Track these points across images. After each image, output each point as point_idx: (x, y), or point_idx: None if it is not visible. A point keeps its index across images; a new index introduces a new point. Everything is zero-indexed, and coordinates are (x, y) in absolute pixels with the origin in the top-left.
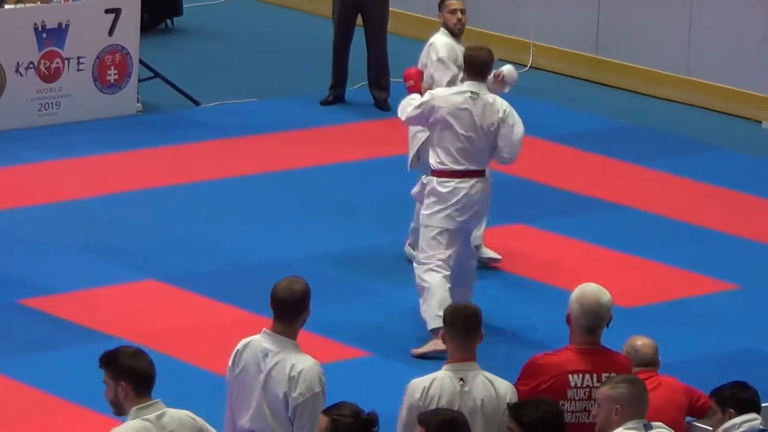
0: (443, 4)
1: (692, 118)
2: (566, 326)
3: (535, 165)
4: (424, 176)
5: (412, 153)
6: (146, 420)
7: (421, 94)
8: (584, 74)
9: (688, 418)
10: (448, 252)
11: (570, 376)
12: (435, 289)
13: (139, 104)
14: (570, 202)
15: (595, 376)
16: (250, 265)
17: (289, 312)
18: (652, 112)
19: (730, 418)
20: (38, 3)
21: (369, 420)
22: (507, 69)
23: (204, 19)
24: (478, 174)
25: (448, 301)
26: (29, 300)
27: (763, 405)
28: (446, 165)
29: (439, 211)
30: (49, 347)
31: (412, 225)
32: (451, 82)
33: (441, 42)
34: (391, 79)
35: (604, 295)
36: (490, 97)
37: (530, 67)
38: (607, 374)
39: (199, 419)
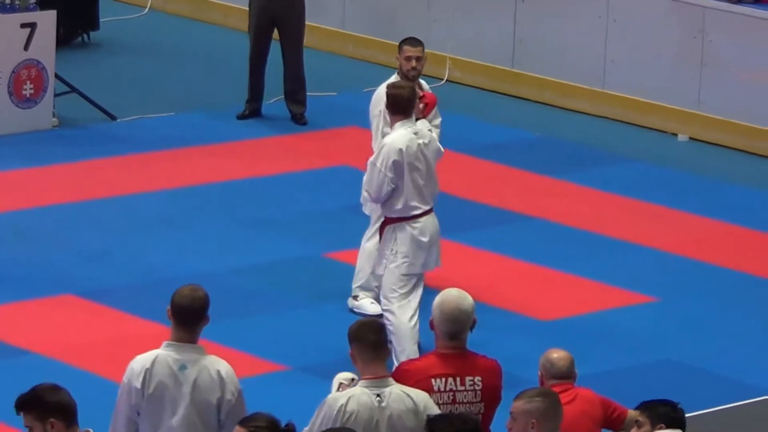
0: (401, 48)
1: (608, 131)
2: (479, 338)
3: (451, 179)
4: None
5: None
6: None
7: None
8: (500, 88)
9: (605, 431)
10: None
11: (433, 380)
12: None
13: (55, 119)
14: (486, 215)
15: (458, 379)
16: (168, 279)
17: (194, 319)
18: (568, 125)
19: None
20: None
21: (287, 431)
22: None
23: (120, 33)
24: (431, 211)
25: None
26: None
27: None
28: (417, 208)
29: (416, 258)
30: None
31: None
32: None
33: (383, 93)
34: (307, 93)
35: (465, 300)
36: (420, 127)
37: (446, 80)
38: (470, 378)
39: None
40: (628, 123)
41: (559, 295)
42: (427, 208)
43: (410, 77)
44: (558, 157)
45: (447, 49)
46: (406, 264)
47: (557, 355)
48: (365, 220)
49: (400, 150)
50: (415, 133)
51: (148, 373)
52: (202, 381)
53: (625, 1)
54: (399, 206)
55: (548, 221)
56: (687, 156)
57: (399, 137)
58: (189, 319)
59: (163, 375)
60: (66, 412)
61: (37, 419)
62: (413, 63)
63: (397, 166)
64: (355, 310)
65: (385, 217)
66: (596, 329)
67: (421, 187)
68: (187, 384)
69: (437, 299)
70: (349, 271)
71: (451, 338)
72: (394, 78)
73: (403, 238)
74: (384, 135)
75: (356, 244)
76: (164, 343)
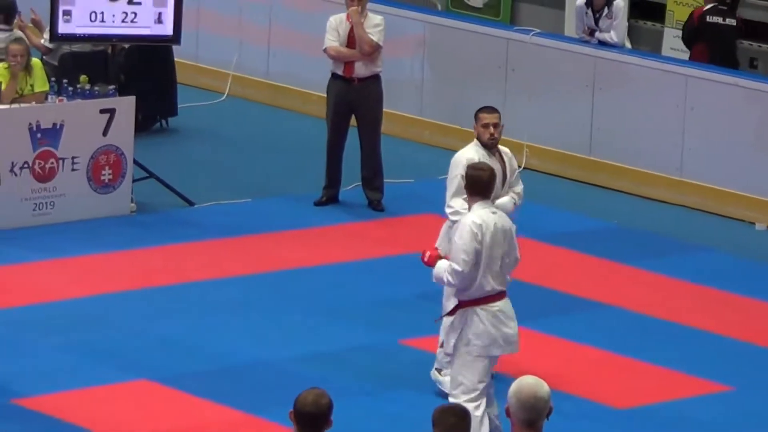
0: (477, 117)
1: (685, 219)
2: (555, 426)
3: (528, 266)
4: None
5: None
6: None
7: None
8: (577, 175)
9: None
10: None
11: None
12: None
13: (133, 204)
14: (563, 303)
15: None
16: (242, 365)
17: (318, 426)
18: (644, 213)
19: None
20: (33, 103)
21: None
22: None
23: (198, 119)
24: (505, 294)
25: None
26: (21, 399)
27: None
28: (492, 289)
29: (491, 341)
30: None
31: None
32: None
33: (462, 158)
34: (384, 180)
35: (541, 387)
36: (498, 210)
37: (524, 168)
38: None
39: None
40: (705, 211)
41: (634, 383)
42: (501, 289)
43: (490, 145)
44: (634, 245)
45: (524, 137)
46: (479, 347)
47: None
48: (441, 308)
49: (480, 224)
50: (493, 212)
51: None
52: None
53: (702, 89)
54: (473, 288)
55: (624, 309)
56: (764, 245)
57: (477, 215)
58: (313, 425)
59: None
60: None
61: None
62: (491, 130)
63: (479, 240)
64: (437, 384)
65: (459, 301)
66: (671, 418)
67: (497, 268)
68: None
69: (514, 386)
70: (425, 357)
71: (529, 426)
72: (473, 145)
73: (477, 323)
74: (463, 200)
75: (431, 331)
76: None
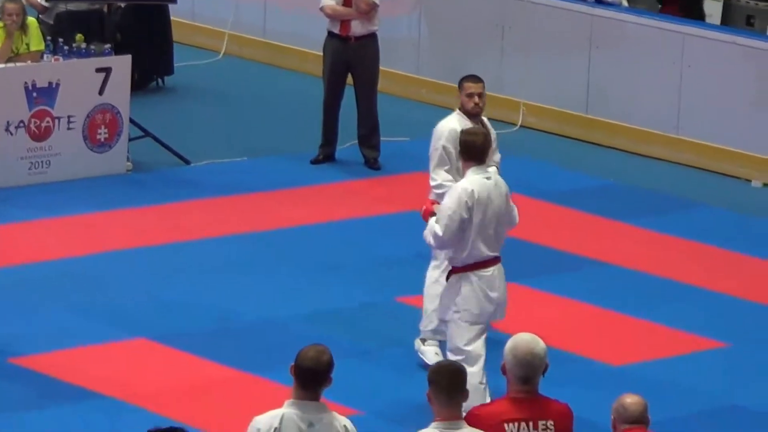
0: (461, 86)
1: (682, 177)
2: (549, 383)
3: (524, 223)
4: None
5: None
6: None
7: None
8: (574, 133)
9: None
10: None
11: (506, 425)
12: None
13: (129, 163)
14: (559, 260)
15: (531, 423)
16: (240, 324)
17: (318, 381)
18: (641, 171)
19: None
20: (29, 62)
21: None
22: None
23: (195, 78)
24: (499, 259)
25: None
26: (19, 359)
27: None
28: (484, 255)
29: (482, 307)
30: (40, 406)
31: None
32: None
33: (444, 129)
34: (381, 138)
35: (537, 344)
36: (493, 174)
37: (520, 126)
38: (543, 422)
39: None
40: (701, 169)
41: (629, 340)
42: (494, 255)
43: (473, 114)
44: (631, 202)
45: (521, 95)
46: (470, 314)
47: (631, 399)
48: None
49: (472, 191)
50: (488, 178)
51: None
52: None
53: (699, 47)
54: (464, 254)
55: (620, 267)
56: (761, 201)
57: (470, 181)
58: (312, 380)
59: None
60: None
61: None
62: (475, 99)
63: (468, 208)
64: (419, 354)
65: (452, 267)
66: (667, 375)
67: (489, 234)
68: None
69: (510, 343)
70: (422, 315)
71: (524, 382)
72: (455, 115)
73: (468, 290)
74: (446, 171)
75: None
76: (287, 402)
